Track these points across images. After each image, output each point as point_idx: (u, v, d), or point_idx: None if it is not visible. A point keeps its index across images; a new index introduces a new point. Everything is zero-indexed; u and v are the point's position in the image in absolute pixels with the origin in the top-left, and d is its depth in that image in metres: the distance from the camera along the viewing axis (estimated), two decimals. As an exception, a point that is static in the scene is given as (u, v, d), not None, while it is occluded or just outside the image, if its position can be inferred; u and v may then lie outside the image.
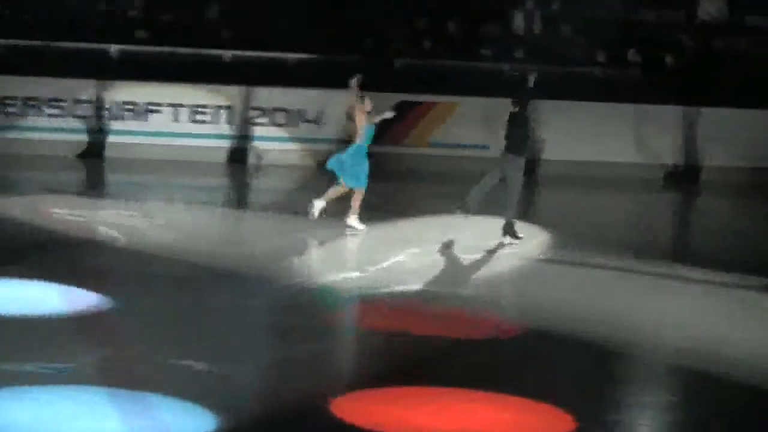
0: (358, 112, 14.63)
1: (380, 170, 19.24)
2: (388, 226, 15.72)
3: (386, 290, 12.19)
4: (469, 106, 20.47)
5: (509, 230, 14.42)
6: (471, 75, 21.17)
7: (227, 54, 21.14)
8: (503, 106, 19.64)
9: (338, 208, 14.69)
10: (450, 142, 20.55)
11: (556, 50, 21.80)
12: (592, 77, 21.40)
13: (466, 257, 14.12)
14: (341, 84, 20.01)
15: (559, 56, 21.64)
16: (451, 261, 13.95)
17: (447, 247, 14.44)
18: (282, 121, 20.66)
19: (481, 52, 21.97)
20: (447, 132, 20.40)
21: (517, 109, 14.58)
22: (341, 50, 21.32)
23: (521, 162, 14.51)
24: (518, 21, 22.64)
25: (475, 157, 19.75)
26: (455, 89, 20.63)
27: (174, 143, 20.29)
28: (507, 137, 14.50)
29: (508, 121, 14.61)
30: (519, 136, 14.51)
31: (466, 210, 14.59)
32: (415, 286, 12.43)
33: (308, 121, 20.69)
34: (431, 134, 20.63)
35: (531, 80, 14.88)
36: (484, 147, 19.89)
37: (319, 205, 14.69)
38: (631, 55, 21.96)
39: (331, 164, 14.73)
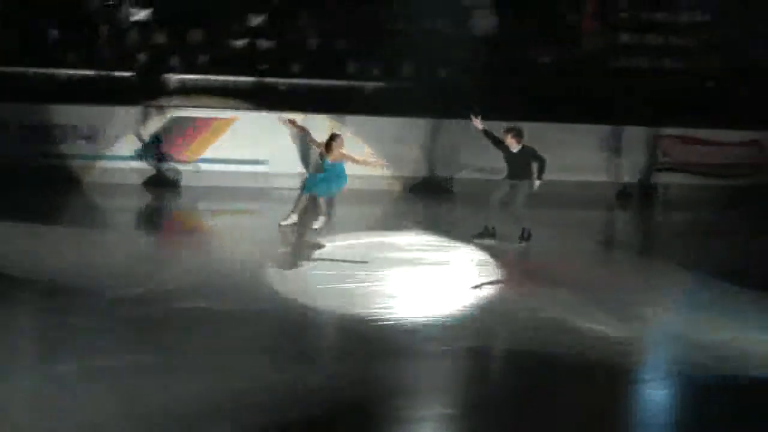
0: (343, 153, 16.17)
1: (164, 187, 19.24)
2: (167, 241, 15.56)
3: (163, 305, 11.97)
4: (246, 121, 20.31)
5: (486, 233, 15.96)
6: (249, 90, 21.15)
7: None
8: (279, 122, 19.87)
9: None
10: (226, 157, 20.32)
11: (331, 64, 21.93)
12: (366, 90, 21.62)
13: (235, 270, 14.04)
14: (113, 100, 19.97)
15: (335, 70, 21.80)
16: (226, 275, 13.78)
17: (221, 262, 14.41)
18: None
19: (258, 67, 21.90)
20: (222, 148, 20.17)
21: (521, 146, 15.86)
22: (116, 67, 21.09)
23: (525, 186, 15.89)
24: (293, 35, 22.67)
25: (252, 173, 19.76)
26: (231, 104, 20.47)
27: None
28: (511, 171, 16.00)
29: (514, 157, 15.92)
30: (525, 168, 15.89)
31: (490, 234, 15.94)
32: (191, 302, 12.22)
33: (84, 137, 20.14)
34: (206, 150, 20.35)
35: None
36: (261, 162, 19.86)
37: (293, 218, 16.13)
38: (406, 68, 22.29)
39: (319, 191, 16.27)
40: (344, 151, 16.17)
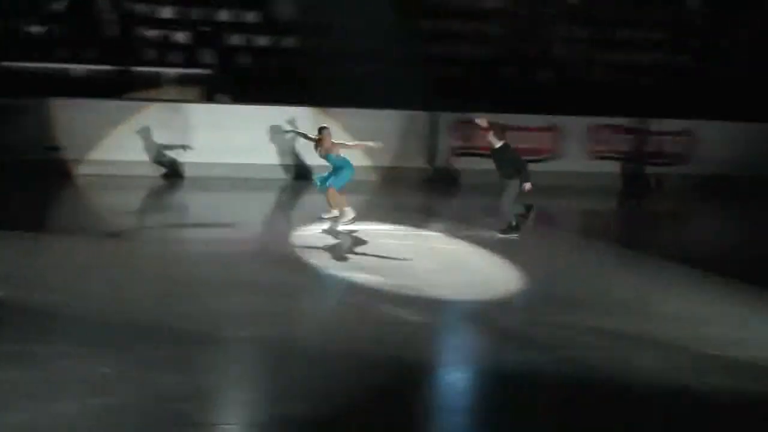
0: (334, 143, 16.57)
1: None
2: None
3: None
4: (44, 108, 19.90)
5: (510, 229, 16.09)
6: (45, 76, 20.83)
7: None
8: (73, 108, 19.67)
9: None
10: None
11: (131, 51, 21.78)
12: (167, 77, 21.54)
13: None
14: None
15: (134, 56, 21.66)
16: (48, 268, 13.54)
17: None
18: None
19: (56, 53, 21.60)
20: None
21: (501, 143, 15.92)
22: None
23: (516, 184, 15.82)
24: (92, 21, 22.42)
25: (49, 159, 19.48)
26: (29, 92, 20.11)
27: None
28: (499, 167, 16.01)
29: (496, 153, 16.01)
30: (508, 164, 15.86)
31: (515, 229, 16.09)
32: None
33: None
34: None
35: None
36: (55, 149, 19.58)
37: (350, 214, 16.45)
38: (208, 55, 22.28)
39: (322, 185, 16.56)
40: (334, 140, 16.59)
